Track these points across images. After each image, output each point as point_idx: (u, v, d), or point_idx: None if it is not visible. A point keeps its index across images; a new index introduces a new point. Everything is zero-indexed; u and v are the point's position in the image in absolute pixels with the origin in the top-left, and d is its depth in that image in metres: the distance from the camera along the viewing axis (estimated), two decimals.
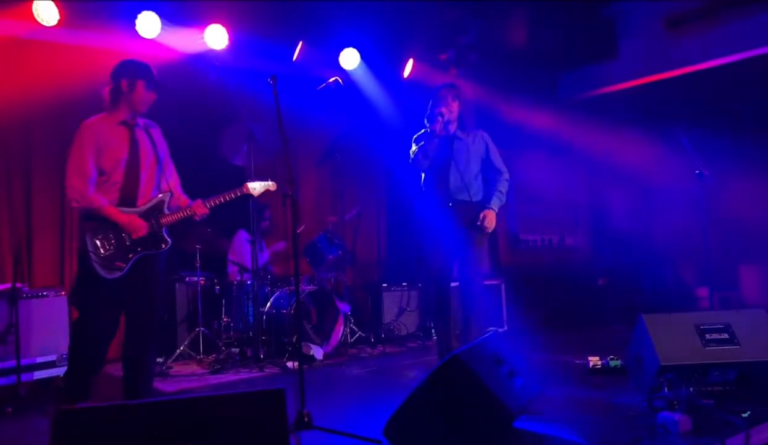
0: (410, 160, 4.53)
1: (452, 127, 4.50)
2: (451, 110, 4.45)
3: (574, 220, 8.17)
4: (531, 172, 7.53)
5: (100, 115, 3.56)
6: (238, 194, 3.87)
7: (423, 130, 4.58)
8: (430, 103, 4.52)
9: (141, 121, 3.65)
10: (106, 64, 5.55)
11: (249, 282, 5.86)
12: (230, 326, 5.94)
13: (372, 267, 7.51)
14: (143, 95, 3.56)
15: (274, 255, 6.59)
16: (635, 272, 7.06)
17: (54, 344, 4.58)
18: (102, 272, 3.38)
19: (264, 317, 5.61)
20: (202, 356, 5.59)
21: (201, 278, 5.77)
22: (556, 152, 7.46)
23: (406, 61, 7.21)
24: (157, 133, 3.72)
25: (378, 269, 6.77)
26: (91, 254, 3.38)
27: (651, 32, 7.25)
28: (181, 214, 3.65)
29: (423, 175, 4.58)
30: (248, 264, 5.94)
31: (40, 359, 4.52)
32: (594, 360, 4.45)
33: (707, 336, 3.50)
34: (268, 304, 5.71)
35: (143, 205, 3.56)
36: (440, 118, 4.36)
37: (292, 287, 5.67)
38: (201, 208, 3.69)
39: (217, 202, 3.75)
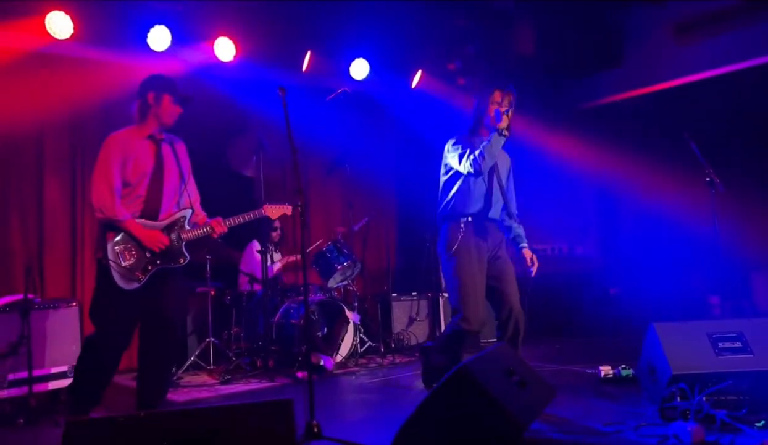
0: (465, 164, 3.78)
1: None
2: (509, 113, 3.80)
3: (584, 229, 8.13)
4: (539, 181, 7.51)
5: (128, 128, 3.63)
6: (257, 216, 3.93)
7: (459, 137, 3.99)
8: (479, 102, 3.99)
9: (167, 136, 3.72)
10: (117, 77, 5.72)
11: (259, 293, 5.87)
12: (240, 336, 5.95)
13: (381, 277, 7.50)
14: (170, 108, 3.62)
15: (284, 266, 6.60)
16: (646, 280, 7.01)
17: (65, 355, 4.60)
18: (121, 283, 3.42)
19: (274, 328, 5.62)
20: (212, 367, 5.60)
21: (211, 289, 5.80)
22: (564, 161, 7.44)
23: (415, 71, 7.24)
24: (181, 149, 3.79)
25: (387, 278, 6.76)
26: (112, 263, 3.42)
27: (658, 40, 7.24)
28: (201, 231, 3.70)
29: (456, 185, 3.94)
30: (259, 275, 5.96)
31: (51, 370, 4.54)
32: (605, 370, 4.42)
33: (720, 345, 3.47)
34: (278, 314, 5.72)
35: (165, 219, 3.61)
36: (506, 117, 3.73)
37: (302, 298, 5.67)
38: (220, 227, 3.75)
39: (237, 222, 3.83)
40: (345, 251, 6.00)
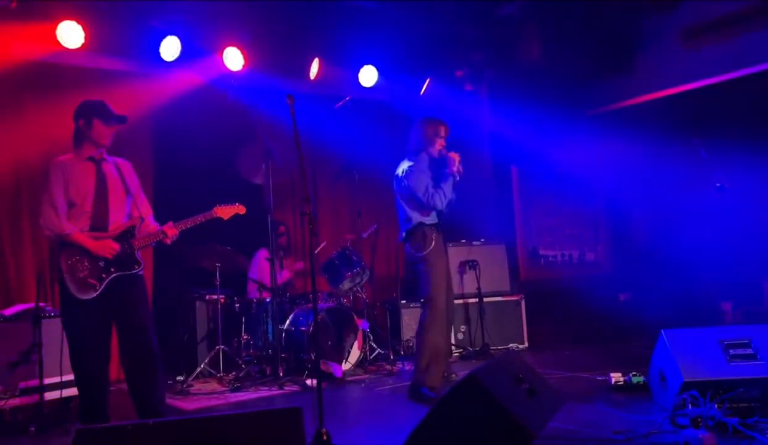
0: (430, 199, 4.50)
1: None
2: None
3: (594, 236, 8.10)
4: (548, 187, 7.49)
5: (69, 154, 3.83)
6: (207, 217, 3.99)
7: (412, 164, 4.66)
8: (426, 132, 4.68)
9: (110, 158, 3.91)
10: (128, 87, 5.77)
11: (268, 300, 5.88)
12: (250, 343, 5.96)
13: (390, 284, 7.50)
14: (101, 131, 3.80)
15: (293, 273, 6.62)
16: (657, 286, 6.96)
17: None
18: (77, 293, 3.56)
19: (283, 335, 5.62)
20: (222, 374, 5.61)
21: (221, 296, 5.82)
22: (574, 167, 7.42)
23: (423, 78, 7.25)
24: (126, 167, 3.98)
25: (396, 285, 6.75)
26: (66, 275, 3.57)
27: (668, 45, 7.21)
28: (152, 238, 3.84)
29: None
30: (267, 282, 5.98)
31: (62, 378, 4.56)
32: (616, 376, 4.39)
33: (731, 351, 3.45)
34: (287, 321, 5.72)
35: (114, 230, 3.75)
36: (458, 160, 4.62)
37: (311, 305, 5.68)
38: (171, 230, 3.86)
39: (188, 225, 3.91)
40: (354, 258, 6.00)
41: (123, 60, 5.92)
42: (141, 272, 3.78)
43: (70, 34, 5.32)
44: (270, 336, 5.77)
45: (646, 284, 7.11)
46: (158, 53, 5.70)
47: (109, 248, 3.67)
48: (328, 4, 5.73)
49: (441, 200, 4.48)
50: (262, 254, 6.41)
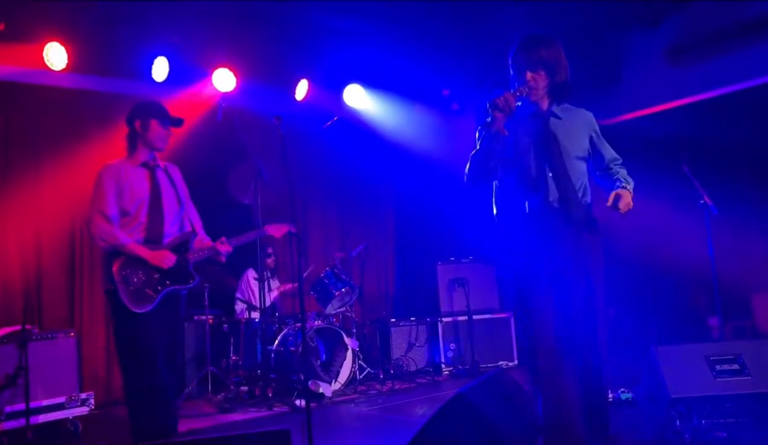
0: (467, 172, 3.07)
1: (543, 103, 3.06)
2: (536, 78, 3.01)
3: None
4: None
5: (121, 158, 3.61)
6: (260, 235, 3.93)
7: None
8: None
9: (161, 163, 3.70)
10: (115, 107, 5.78)
11: (257, 320, 5.86)
12: (239, 364, 5.93)
13: (380, 302, 7.50)
14: (159, 133, 3.59)
15: (282, 293, 6.60)
16: (645, 302, 7.00)
17: (63, 386, 4.58)
18: (132, 305, 3.32)
19: (272, 355, 5.60)
20: (211, 395, 5.57)
21: (209, 317, 5.79)
22: None
23: (411, 96, 7.30)
24: (177, 174, 3.76)
25: (386, 304, 6.77)
26: (120, 285, 3.33)
27: (653, 62, 7.31)
28: (206, 252, 3.65)
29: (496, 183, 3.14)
30: (256, 302, 5.96)
31: (48, 402, 4.51)
32: None
33: (717, 367, 3.47)
34: (276, 342, 5.70)
35: (169, 243, 3.56)
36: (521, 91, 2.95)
37: (300, 324, 5.66)
38: (224, 247, 3.69)
39: (241, 241, 3.78)
40: (343, 276, 6.01)
41: (113, 81, 5.94)
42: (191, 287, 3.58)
43: (57, 55, 5.34)
44: (259, 357, 5.74)
45: (635, 299, 7.15)
46: (148, 74, 5.73)
47: (166, 258, 3.46)
48: (315, 25, 5.78)
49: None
50: (250, 273, 6.39)
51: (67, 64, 5.42)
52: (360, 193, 6.86)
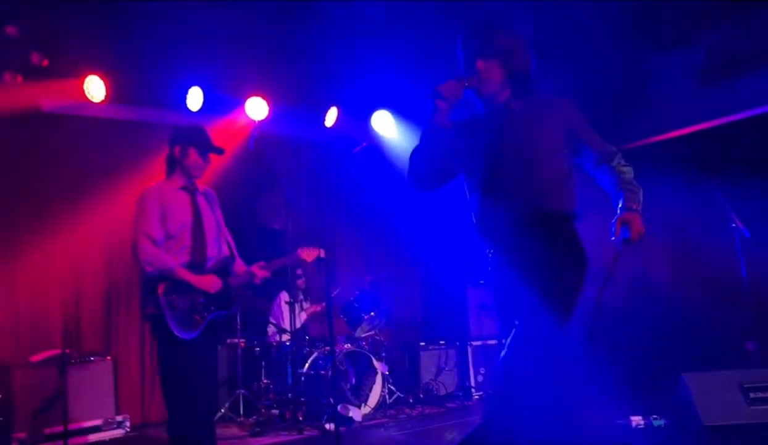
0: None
1: (501, 96, 2.65)
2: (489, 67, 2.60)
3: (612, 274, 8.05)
4: None
5: (160, 181, 3.62)
6: (294, 260, 3.97)
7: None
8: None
9: (200, 186, 3.70)
10: (151, 136, 5.98)
11: (287, 343, 5.93)
12: (270, 387, 5.99)
13: (409, 326, 7.51)
14: (197, 161, 3.59)
15: (312, 316, 6.67)
16: (677, 326, 6.87)
17: (100, 409, 4.69)
18: (179, 331, 3.29)
19: (302, 379, 5.65)
20: (242, 419, 5.64)
21: (241, 340, 5.88)
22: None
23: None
24: (214, 198, 3.77)
25: (415, 327, 6.78)
26: (166, 311, 3.29)
27: (682, 83, 7.26)
28: (245, 277, 3.66)
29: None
30: (286, 325, 6.03)
31: (86, 424, 4.62)
32: (636, 420, 4.34)
33: (751, 395, 3.41)
34: (306, 365, 5.75)
35: (212, 267, 3.55)
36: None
37: (330, 348, 5.72)
38: (262, 272, 3.69)
39: (275, 266, 3.78)
40: (372, 300, 6.05)
41: (149, 111, 6.15)
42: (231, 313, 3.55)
43: (96, 88, 5.56)
44: (289, 380, 5.80)
45: (666, 324, 7.03)
46: (184, 104, 5.91)
47: (212, 282, 3.44)
48: (345, 53, 5.89)
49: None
50: (283, 296, 6.48)
51: (106, 96, 5.63)
52: (389, 217, 6.91)
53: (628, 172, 2.65)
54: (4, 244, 5.53)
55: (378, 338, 6.41)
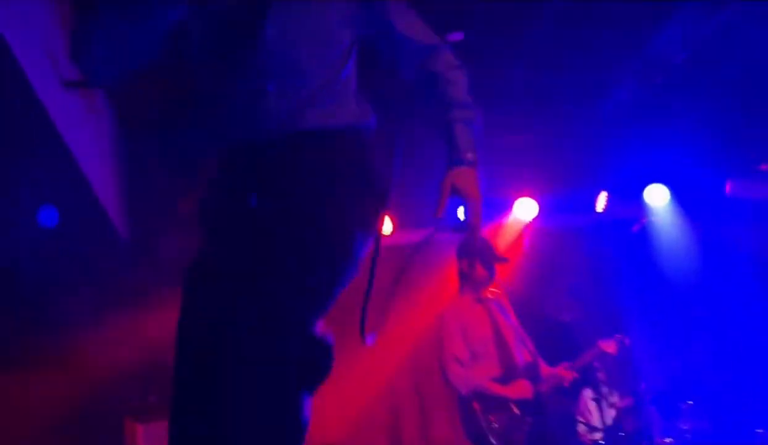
0: None
1: None
2: None
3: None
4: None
5: (454, 298, 3.82)
6: (595, 354, 3.86)
7: None
8: None
9: (491, 294, 3.80)
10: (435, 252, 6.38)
11: (602, 442, 5.60)
12: None
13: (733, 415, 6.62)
14: (483, 273, 3.71)
15: (622, 410, 6.26)
16: (731, 392, 5.57)
17: None
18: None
19: None
20: None
21: None
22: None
23: (721, 182, 6.74)
24: (505, 304, 3.83)
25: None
26: (490, 433, 3.31)
27: None
28: (553, 380, 3.64)
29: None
30: (596, 423, 5.73)
31: None
32: None
33: None
34: None
35: (521, 374, 3.58)
36: None
37: None
38: (570, 373, 3.68)
39: (579, 364, 3.71)
40: (686, 387, 5.51)
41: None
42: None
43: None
44: None
45: (717, 388, 5.50)
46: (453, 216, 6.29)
47: (525, 390, 3.43)
48: (611, 134, 5.83)
49: None
50: (587, 394, 6.22)
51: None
52: (691, 293, 6.38)
53: (460, 80, 1.71)
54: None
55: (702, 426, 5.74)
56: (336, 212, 1.45)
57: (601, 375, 6.30)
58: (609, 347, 3.96)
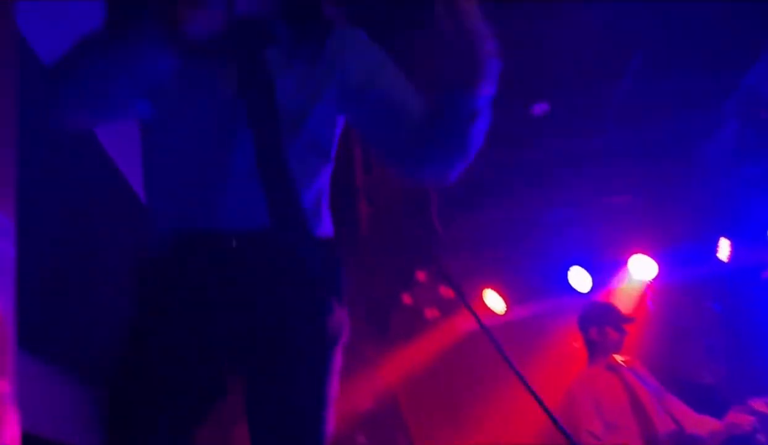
0: None
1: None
2: None
3: None
4: None
5: (581, 370, 3.70)
6: (755, 415, 3.53)
7: None
8: None
9: (624, 362, 3.64)
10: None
11: None
12: None
13: None
14: (615, 338, 3.59)
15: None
16: None
17: None
18: None
19: None
20: None
21: None
22: None
23: None
24: (639, 367, 3.67)
25: None
26: None
27: None
28: (722, 434, 3.42)
29: None
30: None
31: None
32: None
33: None
34: None
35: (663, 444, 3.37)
36: None
37: None
38: (746, 417, 3.43)
39: (741, 423, 3.44)
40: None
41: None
42: None
43: (495, 301, 5.87)
44: None
45: None
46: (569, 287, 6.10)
47: None
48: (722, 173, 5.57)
49: None
50: None
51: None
52: None
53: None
54: None
55: None
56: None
57: (761, 437, 5.71)
58: (763, 407, 3.60)
